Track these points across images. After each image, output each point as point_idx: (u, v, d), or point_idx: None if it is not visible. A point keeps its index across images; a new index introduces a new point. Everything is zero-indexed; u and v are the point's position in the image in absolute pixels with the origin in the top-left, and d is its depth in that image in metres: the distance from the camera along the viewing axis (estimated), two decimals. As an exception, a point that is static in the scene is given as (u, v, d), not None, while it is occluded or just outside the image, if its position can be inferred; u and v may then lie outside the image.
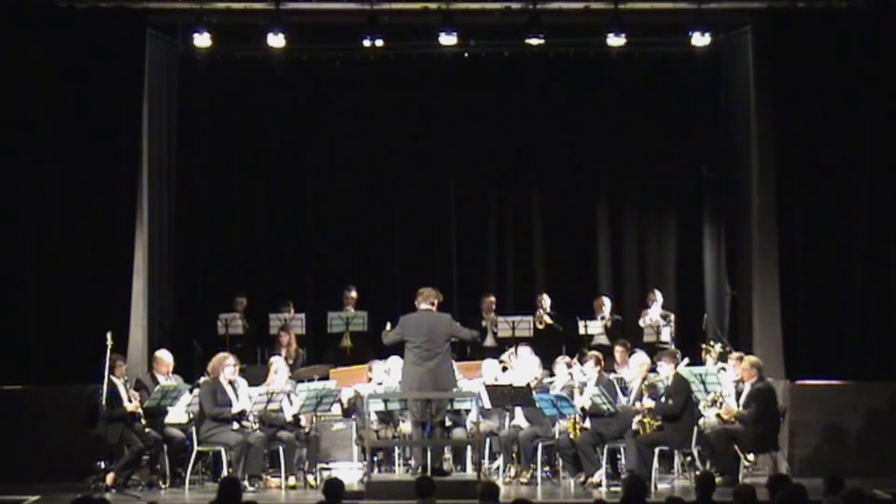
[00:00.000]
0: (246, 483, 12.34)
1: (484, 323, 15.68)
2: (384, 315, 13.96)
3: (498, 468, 13.31)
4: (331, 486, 8.82)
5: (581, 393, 12.81)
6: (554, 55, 15.97)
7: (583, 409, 12.68)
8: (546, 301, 15.81)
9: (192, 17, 14.17)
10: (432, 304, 12.65)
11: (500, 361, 14.11)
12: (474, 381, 13.61)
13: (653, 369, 13.05)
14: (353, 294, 15.71)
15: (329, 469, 13.38)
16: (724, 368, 13.54)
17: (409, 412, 12.75)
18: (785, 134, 14.16)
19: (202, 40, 14.20)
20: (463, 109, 16.80)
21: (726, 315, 15.89)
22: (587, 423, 12.70)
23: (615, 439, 12.63)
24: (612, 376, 13.15)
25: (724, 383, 13.01)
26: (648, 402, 12.58)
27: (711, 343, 14.51)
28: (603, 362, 13.17)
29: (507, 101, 16.80)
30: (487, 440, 13.35)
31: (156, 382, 13.03)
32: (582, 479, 12.60)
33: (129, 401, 12.67)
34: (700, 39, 14.42)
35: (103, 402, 12.49)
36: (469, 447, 13.09)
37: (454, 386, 12.77)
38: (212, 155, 16.53)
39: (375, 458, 13.16)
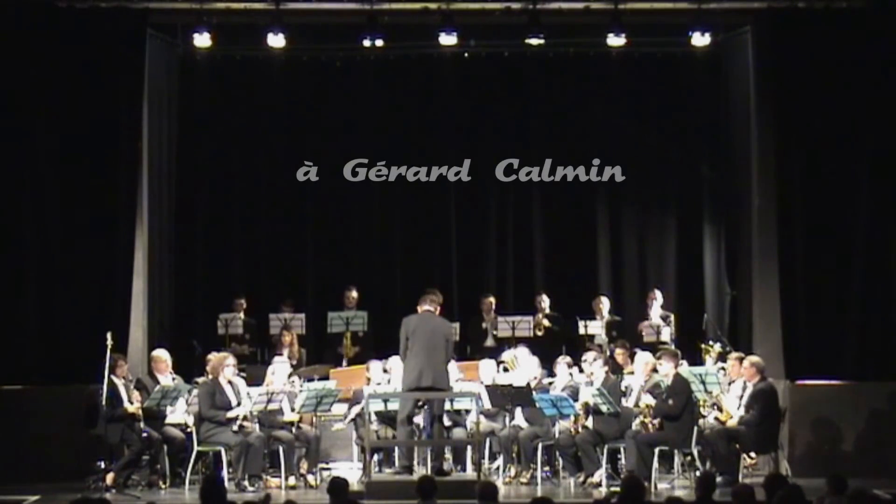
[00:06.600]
0: (246, 483, 12.38)
1: (484, 324, 15.68)
2: (384, 315, 13.93)
3: (498, 468, 13.31)
4: (335, 485, 8.81)
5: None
6: (554, 55, 15.96)
7: (585, 404, 12.68)
8: (546, 301, 15.80)
9: (192, 17, 14.18)
10: (434, 306, 12.66)
11: (501, 362, 14.09)
12: (474, 381, 13.61)
13: (653, 369, 13.05)
14: (354, 294, 15.70)
15: (329, 469, 13.39)
16: (723, 368, 13.53)
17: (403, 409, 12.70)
18: (785, 134, 14.15)
19: (202, 40, 14.20)
20: (463, 109, 16.82)
21: (726, 315, 15.90)
22: (589, 422, 12.70)
23: (615, 439, 12.63)
24: (616, 378, 13.14)
25: (723, 383, 13.01)
26: (648, 399, 12.57)
27: (711, 343, 14.52)
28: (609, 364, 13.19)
29: (507, 100, 16.79)
30: (487, 440, 13.35)
31: (156, 382, 13.03)
32: (582, 478, 12.61)
33: (130, 401, 12.67)
34: (700, 39, 14.41)
35: (103, 402, 12.50)
36: (469, 447, 13.09)
37: (449, 387, 12.74)
38: (212, 155, 16.53)
39: (376, 458, 13.16)
